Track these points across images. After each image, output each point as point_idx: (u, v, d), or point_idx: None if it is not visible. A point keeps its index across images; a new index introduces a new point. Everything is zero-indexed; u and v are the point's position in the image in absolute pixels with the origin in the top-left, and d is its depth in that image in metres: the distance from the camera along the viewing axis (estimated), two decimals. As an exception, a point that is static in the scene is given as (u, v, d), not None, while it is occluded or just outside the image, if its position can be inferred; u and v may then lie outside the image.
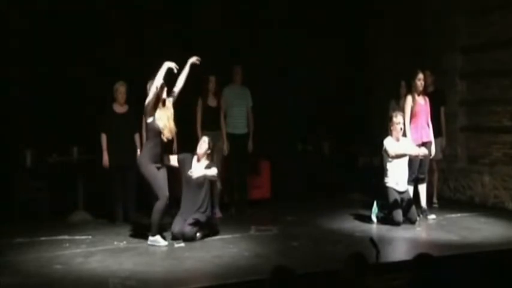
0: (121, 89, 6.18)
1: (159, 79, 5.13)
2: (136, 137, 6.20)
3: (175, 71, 5.18)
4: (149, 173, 5.21)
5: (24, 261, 4.78)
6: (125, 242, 5.36)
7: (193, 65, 5.34)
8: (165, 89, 5.23)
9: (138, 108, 5.51)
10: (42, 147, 6.50)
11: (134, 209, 6.24)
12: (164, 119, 5.19)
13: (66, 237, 5.52)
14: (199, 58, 5.32)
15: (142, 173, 5.26)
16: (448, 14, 7.51)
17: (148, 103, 5.17)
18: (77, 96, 6.98)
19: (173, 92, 5.33)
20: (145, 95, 5.22)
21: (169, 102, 5.29)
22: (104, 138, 6.16)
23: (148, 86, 5.21)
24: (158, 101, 5.18)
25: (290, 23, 8.10)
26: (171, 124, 5.25)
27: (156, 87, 5.12)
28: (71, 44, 7.00)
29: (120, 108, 6.25)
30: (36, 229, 5.77)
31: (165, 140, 5.23)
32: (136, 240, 5.43)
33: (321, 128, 8.24)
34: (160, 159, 5.30)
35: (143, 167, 5.23)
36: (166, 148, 5.40)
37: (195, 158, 5.57)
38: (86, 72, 7.01)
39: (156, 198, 5.26)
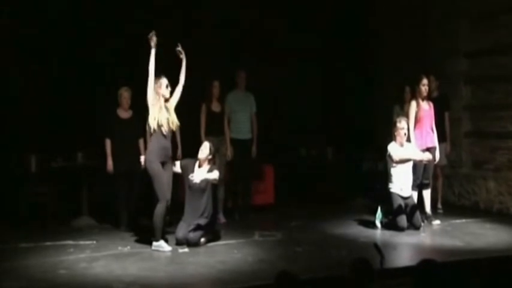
0: (125, 95, 6.21)
1: (152, 73, 5.14)
2: (141, 142, 6.21)
3: (151, 35, 5.10)
4: (153, 171, 5.20)
5: (29, 266, 4.79)
6: (129, 247, 5.37)
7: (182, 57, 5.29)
8: (168, 87, 5.27)
9: (142, 113, 5.53)
10: (46, 153, 6.53)
11: (138, 214, 6.24)
12: (163, 116, 5.20)
13: (71, 242, 5.53)
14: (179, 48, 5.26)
15: (147, 170, 5.25)
16: (452, 19, 7.51)
17: (148, 96, 5.21)
18: (81, 101, 7.02)
19: (176, 91, 5.35)
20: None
21: (170, 102, 5.33)
22: (108, 143, 6.18)
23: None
24: (159, 97, 5.22)
25: (294, 28, 8.13)
26: (173, 118, 5.26)
27: (160, 87, 5.15)
28: (75, 50, 7.05)
29: (124, 113, 6.27)
30: (40, 234, 5.79)
31: (165, 132, 5.23)
32: (140, 245, 5.43)
33: (325, 133, 8.24)
34: (168, 153, 5.30)
35: (148, 163, 5.24)
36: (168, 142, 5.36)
37: (197, 163, 5.58)
38: (90, 77, 7.06)
39: (156, 199, 5.25)
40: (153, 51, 5.16)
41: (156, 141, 5.23)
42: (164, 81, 5.27)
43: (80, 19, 7.10)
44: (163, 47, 5.18)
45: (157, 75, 5.23)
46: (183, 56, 5.32)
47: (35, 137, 6.73)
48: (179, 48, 5.29)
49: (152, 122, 5.19)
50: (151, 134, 5.29)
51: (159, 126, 5.19)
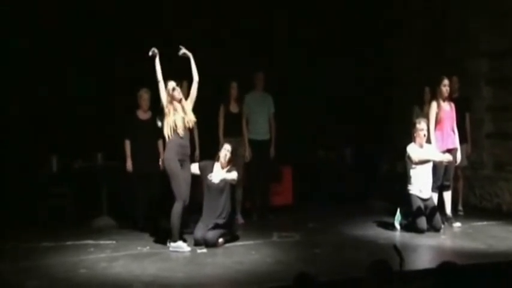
0: (145, 96, 6.26)
1: (160, 80, 5.21)
2: (160, 143, 6.25)
3: (153, 52, 5.19)
4: (171, 170, 5.23)
5: (50, 265, 4.87)
6: (148, 247, 5.42)
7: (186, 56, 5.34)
8: (179, 90, 5.31)
9: (160, 115, 5.58)
10: (67, 154, 6.62)
11: (157, 214, 6.28)
12: (179, 116, 5.24)
13: (91, 242, 5.60)
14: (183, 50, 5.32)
15: (165, 169, 5.28)
16: (472, 19, 7.40)
17: (162, 105, 5.28)
18: (102, 102, 7.10)
19: (192, 89, 5.38)
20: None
21: (186, 102, 5.36)
22: (127, 144, 6.23)
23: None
24: (172, 100, 5.26)
25: (313, 29, 8.10)
26: (190, 117, 5.29)
27: (168, 92, 5.22)
28: (95, 52, 7.14)
29: (143, 114, 6.32)
30: (61, 234, 5.87)
31: (181, 132, 5.26)
32: (159, 245, 5.47)
33: (344, 134, 8.20)
34: (186, 151, 5.33)
35: (166, 161, 5.26)
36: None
37: (217, 165, 5.59)
38: (109, 79, 7.14)
39: (173, 199, 5.27)
40: (156, 60, 5.25)
41: (173, 140, 5.27)
42: (170, 84, 5.29)
43: (97, 23, 7.18)
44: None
45: (165, 80, 5.28)
46: (189, 55, 5.31)
47: (56, 139, 6.83)
48: (183, 51, 5.31)
49: (166, 128, 5.24)
50: (168, 136, 5.33)
51: (174, 128, 5.23)
